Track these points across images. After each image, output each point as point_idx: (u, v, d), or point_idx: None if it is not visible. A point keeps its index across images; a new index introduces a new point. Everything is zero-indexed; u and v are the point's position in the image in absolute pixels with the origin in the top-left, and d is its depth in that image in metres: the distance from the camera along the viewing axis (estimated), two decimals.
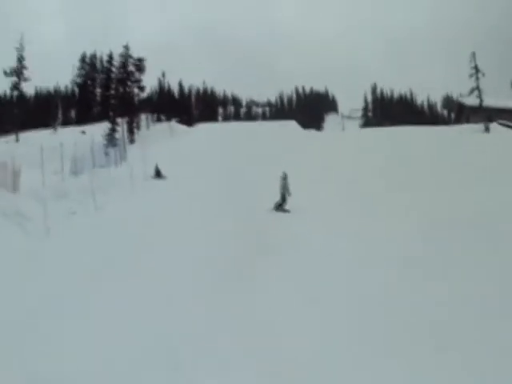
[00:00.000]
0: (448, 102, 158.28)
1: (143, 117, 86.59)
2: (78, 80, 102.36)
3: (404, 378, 8.95)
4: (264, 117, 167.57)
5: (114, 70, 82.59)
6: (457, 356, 9.49)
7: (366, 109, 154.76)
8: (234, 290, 14.22)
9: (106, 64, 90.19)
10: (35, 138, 61.09)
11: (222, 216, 25.22)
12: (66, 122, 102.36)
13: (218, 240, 20.41)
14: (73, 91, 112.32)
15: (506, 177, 29.80)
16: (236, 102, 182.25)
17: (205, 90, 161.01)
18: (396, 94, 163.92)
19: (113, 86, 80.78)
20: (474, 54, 66.79)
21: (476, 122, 65.97)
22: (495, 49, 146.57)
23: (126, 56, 78.18)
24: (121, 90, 78.06)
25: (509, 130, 62.88)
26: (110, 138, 66.44)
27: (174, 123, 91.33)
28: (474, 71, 66.62)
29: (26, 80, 71.59)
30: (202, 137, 70.60)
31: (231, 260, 17.29)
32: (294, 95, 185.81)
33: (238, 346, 10.81)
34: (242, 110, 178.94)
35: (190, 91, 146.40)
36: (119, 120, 72.53)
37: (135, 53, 79.30)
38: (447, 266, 15.12)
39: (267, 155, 46.87)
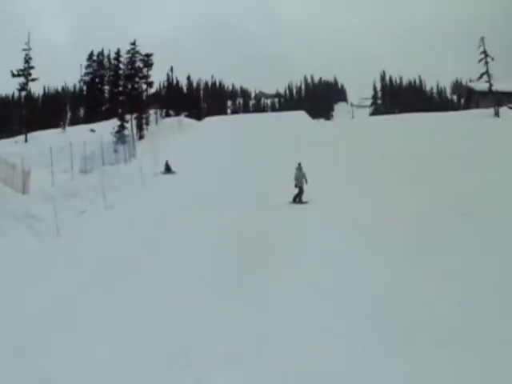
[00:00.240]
0: (457, 87, 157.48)
1: (152, 112, 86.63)
2: (86, 78, 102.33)
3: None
4: (273, 108, 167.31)
5: (121, 66, 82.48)
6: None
7: (375, 97, 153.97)
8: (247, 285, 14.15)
9: (113, 61, 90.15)
10: (44, 138, 61.44)
11: (236, 209, 25.07)
12: (75, 121, 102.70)
13: (232, 236, 20.21)
14: (81, 90, 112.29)
15: None
16: (245, 94, 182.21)
17: (213, 84, 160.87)
18: (405, 81, 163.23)
19: (121, 82, 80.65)
20: (482, 39, 66.35)
21: (486, 106, 65.63)
22: (505, 33, 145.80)
23: (133, 52, 78.15)
24: (129, 86, 78.04)
25: None
26: (119, 135, 66.46)
27: (182, 118, 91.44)
28: (483, 56, 66.15)
29: (33, 80, 71.72)
30: (211, 130, 70.64)
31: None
32: (303, 85, 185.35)
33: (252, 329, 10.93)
34: (251, 102, 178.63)
35: (198, 85, 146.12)
36: (128, 116, 72.67)
37: (143, 49, 79.36)
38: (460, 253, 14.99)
39: (277, 147, 46.96)
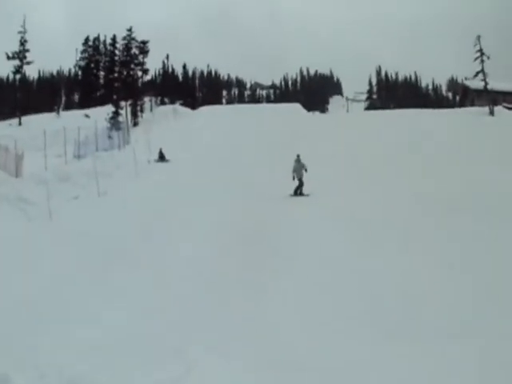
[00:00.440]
0: (453, 84, 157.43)
1: (147, 100, 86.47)
2: (82, 63, 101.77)
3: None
4: (268, 99, 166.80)
5: (117, 52, 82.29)
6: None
7: (370, 91, 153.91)
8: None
9: (109, 47, 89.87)
10: (38, 122, 61.12)
11: (229, 200, 24.76)
12: (69, 106, 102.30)
13: (226, 227, 19.96)
14: (76, 74, 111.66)
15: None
16: (240, 84, 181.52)
17: (209, 73, 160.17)
18: (401, 77, 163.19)
19: (116, 68, 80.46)
20: (479, 38, 66.29)
21: (481, 105, 65.93)
22: (502, 32, 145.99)
23: (129, 39, 77.93)
24: (124, 72, 77.87)
25: None
26: (114, 122, 66.21)
27: (177, 106, 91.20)
28: (479, 54, 66.16)
29: (28, 63, 71.24)
30: (206, 120, 70.44)
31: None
32: (299, 78, 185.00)
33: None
34: (247, 93, 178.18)
35: (193, 74, 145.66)
36: (123, 103, 72.45)
37: (141, 36, 79.16)
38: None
39: (272, 139, 46.72)
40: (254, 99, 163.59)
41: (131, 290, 13.30)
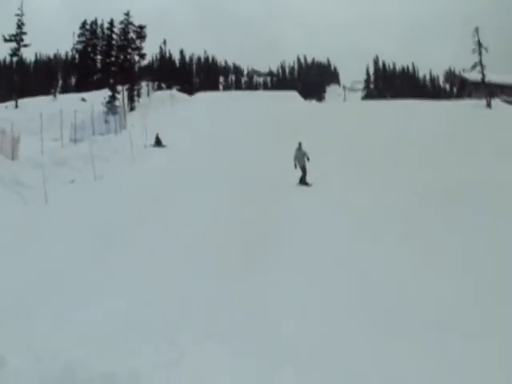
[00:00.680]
0: (450, 76, 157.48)
1: (144, 84, 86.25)
2: (79, 47, 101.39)
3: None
4: (265, 86, 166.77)
5: (114, 37, 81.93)
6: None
7: (367, 81, 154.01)
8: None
9: (106, 31, 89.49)
10: (34, 105, 60.89)
11: (224, 187, 24.47)
12: (66, 89, 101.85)
13: (220, 213, 20.00)
14: (73, 58, 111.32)
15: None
16: (237, 71, 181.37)
17: (206, 59, 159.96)
18: (398, 67, 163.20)
19: (113, 53, 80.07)
20: (477, 30, 65.99)
21: (478, 97, 65.88)
22: (499, 25, 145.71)
23: (126, 23, 77.60)
24: (121, 57, 77.54)
25: (511, 106, 62.77)
26: (110, 106, 65.96)
27: (174, 91, 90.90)
28: (477, 46, 66.01)
29: (25, 46, 70.81)
30: (202, 105, 70.29)
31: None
32: (296, 65, 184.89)
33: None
34: (243, 80, 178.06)
35: (191, 60, 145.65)
36: (119, 87, 72.20)
37: (136, 21, 78.82)
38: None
39: (269, 126, 46.54)
40: (251, 86, 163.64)
41: (127, 275, 13.36)
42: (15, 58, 73.58)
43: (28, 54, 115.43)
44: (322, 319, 10.17)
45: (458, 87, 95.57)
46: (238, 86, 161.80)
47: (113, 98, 68.76)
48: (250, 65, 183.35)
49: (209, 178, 26.90)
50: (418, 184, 23.11)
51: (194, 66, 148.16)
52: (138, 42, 78.98)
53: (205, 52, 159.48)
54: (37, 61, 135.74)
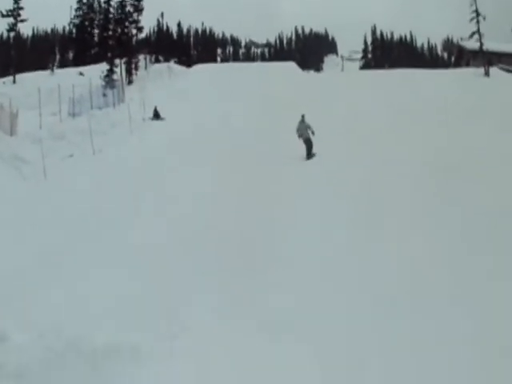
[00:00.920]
0: (448, 44, 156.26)
1: (141, 58, 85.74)
2: (76, 21, 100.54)
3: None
4: (263, 58, 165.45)
5: (111, 10, 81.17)
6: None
7: (365, 51, 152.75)
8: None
9: (103, 4, 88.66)
10: (32, 80, 60.60)
11: (225, 161, 24.73)
12: (64, 64, 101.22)
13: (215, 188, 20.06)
14: (70, 32, 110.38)
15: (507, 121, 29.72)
16: (235, 42, 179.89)
17: (203, 31, 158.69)
18: (396, 36, 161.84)
19: (111, 26, 79.34)
20: None
21: (476, 65, 65.56)
22: None
23: None
24: (119, 30, 76.95)
25: (509, 74, 62.54)
26: (108, 80, 65.79)
27: (172, 64, 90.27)
28: (474, 15, 65.60)
29: (22, 21, 70.41)
30: (201, 77, 69.75)
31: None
32: (294, 36, 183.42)
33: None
34: (241, 51, 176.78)
35: (188, 32, 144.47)
36: (117, 61, 71.84)
37: None
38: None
39: (268, 97, 46.34)
40: (249, 57, 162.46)
41: (128, 253, 13.45)
42: (12, 34, 73.23)
43: (25, 29, 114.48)
44: (324, 300, 10.27)
45: (455, 56, 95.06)
46: (235, 58, 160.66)
47: (110, 71, 68.47)
48: (247, 36, 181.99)
49: (208, 151, 27.02)
50: (421, 154, 22.72)
51: (192, 39, 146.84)
52: (135, 15, 78.30)
53: (202, 24, 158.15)
54: (34, 36, 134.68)
